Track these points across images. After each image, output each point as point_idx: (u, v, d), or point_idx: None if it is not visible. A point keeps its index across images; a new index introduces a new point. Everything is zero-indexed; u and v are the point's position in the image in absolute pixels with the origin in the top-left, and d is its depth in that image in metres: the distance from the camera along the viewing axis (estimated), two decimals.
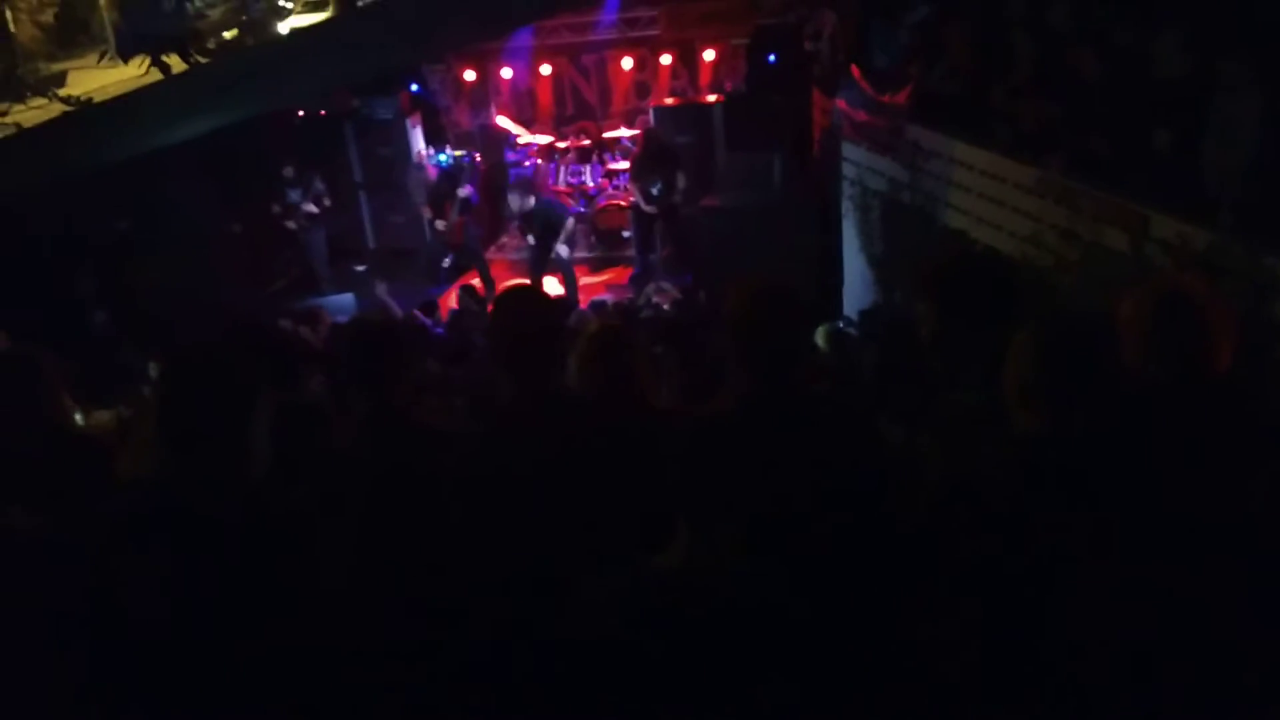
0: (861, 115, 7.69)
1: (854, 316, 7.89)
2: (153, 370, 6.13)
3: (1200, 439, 2.26)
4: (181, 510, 2.17)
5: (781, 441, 2.35)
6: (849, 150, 8.16)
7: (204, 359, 2.30)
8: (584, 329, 3.18)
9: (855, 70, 7.50)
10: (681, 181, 10.42)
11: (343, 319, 8.66)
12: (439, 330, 8.93)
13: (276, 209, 10.92)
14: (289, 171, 10.86)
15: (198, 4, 6.73)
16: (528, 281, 10.40)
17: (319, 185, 11.10)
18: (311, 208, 11.00)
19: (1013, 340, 2.27)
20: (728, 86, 11.36)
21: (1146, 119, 5.05)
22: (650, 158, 10.58)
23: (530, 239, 10.66)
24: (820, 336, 6.81)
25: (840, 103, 7.99)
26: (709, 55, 11.72)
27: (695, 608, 2.14)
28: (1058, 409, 2.18)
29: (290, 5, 7.06)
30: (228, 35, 6.95)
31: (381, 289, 9.84)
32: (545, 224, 10.41)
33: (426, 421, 3.06)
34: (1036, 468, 2.18)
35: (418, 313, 9.05)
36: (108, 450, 3.06)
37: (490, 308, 3.21)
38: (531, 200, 10.37)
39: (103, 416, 4.23)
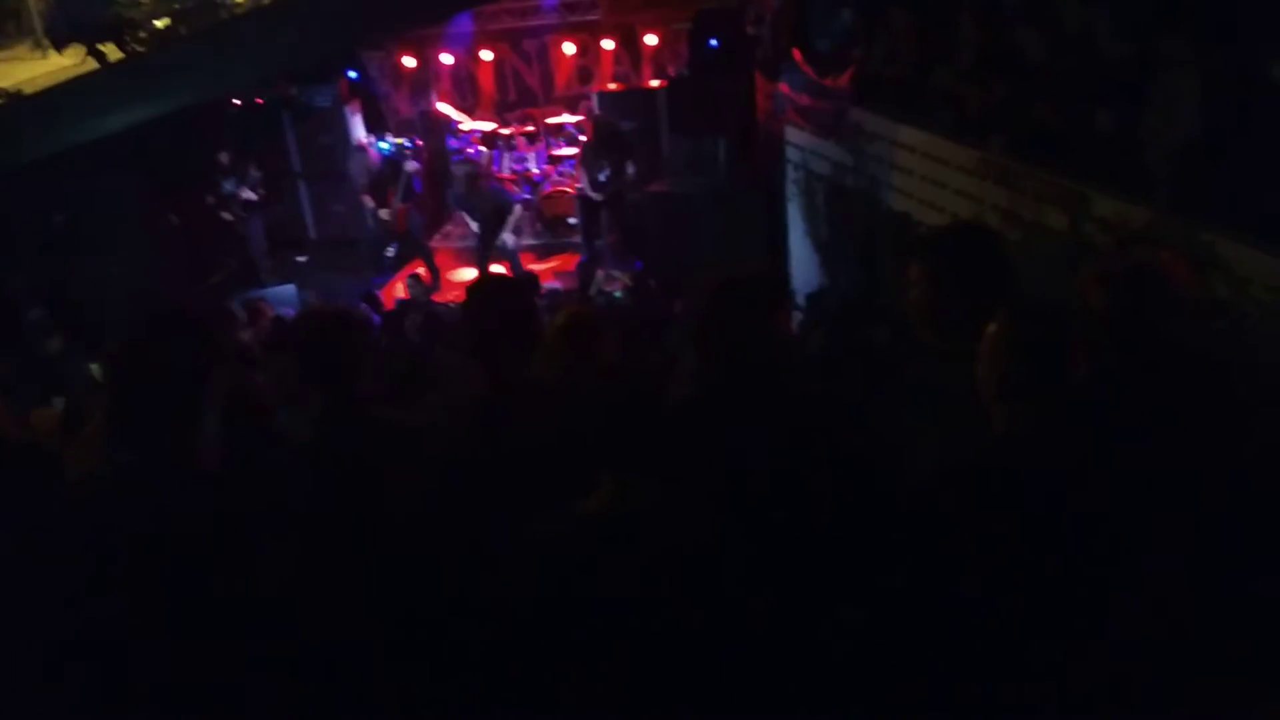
0: (804, 99, 7.73)
1: (800, 300, 7.95)
2: (92, 369, 6.00)
3: (1174, 414, 2.28)
4: (131, 509, 2.14)
5: (744, 423, 2.37)
6: (792, 134, 8.20)
7: (153, 350, 2.26)
8: (551, 320, 3.16)
9: (797, 54, 7.53)
10: (631, 168, 10.40)
11: (285, 310, 8.53)
12: (377, 320, 8.83)
13: (211, 199, 10.71)
14: (224, 158, 10.64)
15: None
16: (474, 276, 10.35)
17: (254, 173, 10.89)
18: (249, 194, 10.80)
19: (985, 333, 2.26)
20: (670, 71, 11.35)
21: (1089, 98, 5.13)
22: (600, 143, 10.55)
23: (475, 226, 10.58)
24: None
25: (783, 87, 8.02)
26: (651, 40, 11.70)
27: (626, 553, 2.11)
28: (1032, 405, 2.18)
29: None
30: (159, 24, 6.80)
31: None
32: (493, 208, 10.36)
33: (390, 414, 3.02)
34: (1015, 467, 2.17)
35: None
36: (51, 452, 2.99)
37: (437, 296, 3.18)
38: (477, 182, 10.35)
39: (47, 415, 4.12)
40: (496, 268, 10.58)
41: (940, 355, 2.65)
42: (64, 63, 5.76)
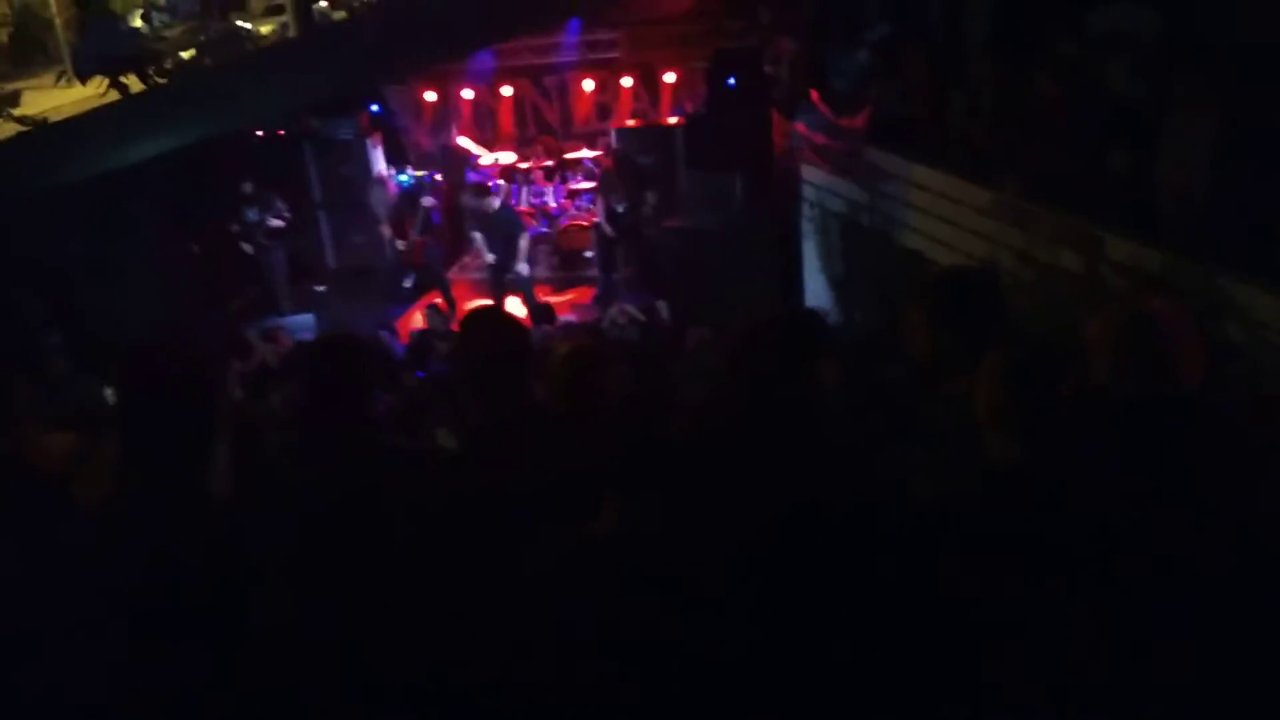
0: (820, 138, 7.77)
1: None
2: (108, 394, 6.04)
3: (1171, 457, 2.29)
4: (142, 537, 2.15)
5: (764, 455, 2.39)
6: (808, 172, 8.24)
7: (165, 376, 2.27)
8: (555, 349, 3.18)
9: (814, 94, 7.59)
10: (650, 199, 10.47)
11: (304, 339, 8.59)
12: (399, 349, 8.89)
13: (235, 228, 10.82)
14: (248, 188, 10.77)
15: (156, 24, 6.68)
16: (491, 303, 10.40)
17: (277, 203, 11.01)
18: (275, 222, 10.90)
19: (982, 363, 2.29)
20: (688, 108, 11.43)
21: (1102, 139, 5.15)
22: (617, 177, 10.64)
23: (490, 257, 10.66)
24: None
25: (799, 126, 8.07)
26: (669, 78, 11.79)
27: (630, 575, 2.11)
28: (1028, 433, 2.20)
29: (249, 28, 7.04)
30: (185, 55, 6.91)
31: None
32: (505, 232, 10.44)
33: (398, 442, 3.03)
34: (1009, 495, 2.19)
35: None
36: (66, 477, 3.01)
37: (454, 328, 3.21)
38: (496, 204, 10.43)
39: (62, 440, 4.14)
40: (513, 299, 10.66)
41: (946, 396, 2.68)
42: (88, 93, 5.86)
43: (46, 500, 2.76)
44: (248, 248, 10.89)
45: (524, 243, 10.61)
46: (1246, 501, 2.31)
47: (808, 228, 8.50)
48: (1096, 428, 2.36)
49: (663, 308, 9.75)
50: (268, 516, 2.57)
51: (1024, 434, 2.22)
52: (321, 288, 11.94)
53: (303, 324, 9.86)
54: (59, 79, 6.06)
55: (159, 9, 6.52)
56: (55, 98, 6.27)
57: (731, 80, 9.81)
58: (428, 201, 10.90)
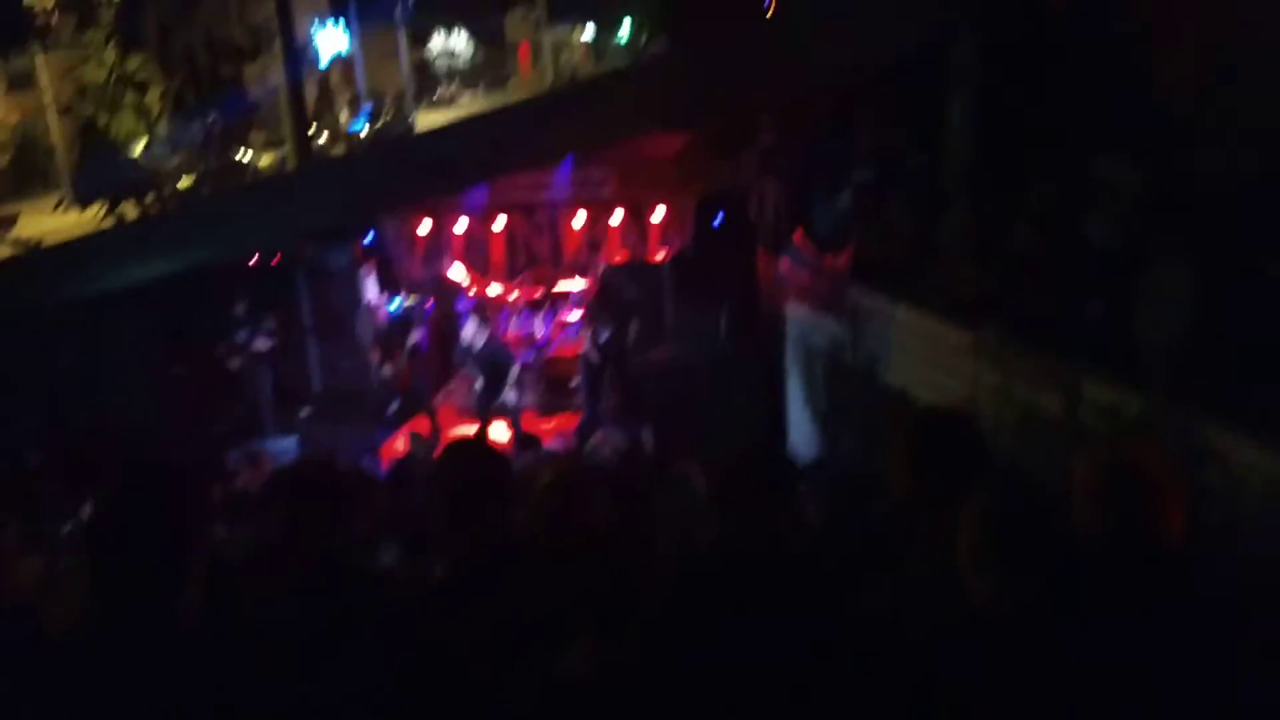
0: (804, 276, 7.94)
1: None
2: (85, 514, 5.96)
3: (1154, 607, 2.29)
4: (109, 667, 2.10)
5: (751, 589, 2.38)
6: (793, 309, 8.38)
7: (138, 503, 2.26)
8: (537, 477, 3.17)
9: (797, 234, 7.78)
10: (633, 334, 10.61)
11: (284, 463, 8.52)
12: (384, 474, 8.81)
13: (222, 349, 10.86)
14: (240, 309, 10.86)
15: (156, 154, 6.86)
16: (471, 433, 10.38)
17: (269, 322, 11.09)
18: (263, 343, 10.95)
19: (963, 507, 2.31)
20: (676, 245, 11.68)
21: (1080, 287, 5.27)
22: (603, 308, 10.80)
23: (478, 385, 10.70)
24: None
25: (784, 263, 8.25)
26: (658, 215, 12.08)
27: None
28: (1008, 578, 2.20)
29: (249, 158, 7.23)
30: (183, 184, 7.07)
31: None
32: (493, 365, 10.50)
33: (373, 569, 2.99)
34: (989, 638, 2.19)
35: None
36: (32, 604, 2.95)
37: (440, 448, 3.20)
38: (484, 336, 10.51)
39: (32, 564, 4.08)
40: (498, 425, 10.66)
41: (927, 536, 2.68)
42: (85, 218, 5.97)
43: (13, 626, 2.70)
44: (235, 364, 10.91)
45: (514, 372, 10.68)
46: (1226, 649, 2.29)
47: (792, 363, 8.59)
48: (1077, 575, 2.36)
49: (647, 439, 9.75)
50: (238, 649, 2.52)
51: (1004, 579, 2.21)
52: (306, 411, 11.92)
53: (285, 447, 9.80)
54: (58, 205, 6.18)
55: (159, 140, 6.70)
56: (53, 221, 6.39)
57: (718, 219, 10.08)
58: (415, 336, 11.03)
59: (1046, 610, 2.19)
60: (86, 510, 6.10)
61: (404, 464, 9.07)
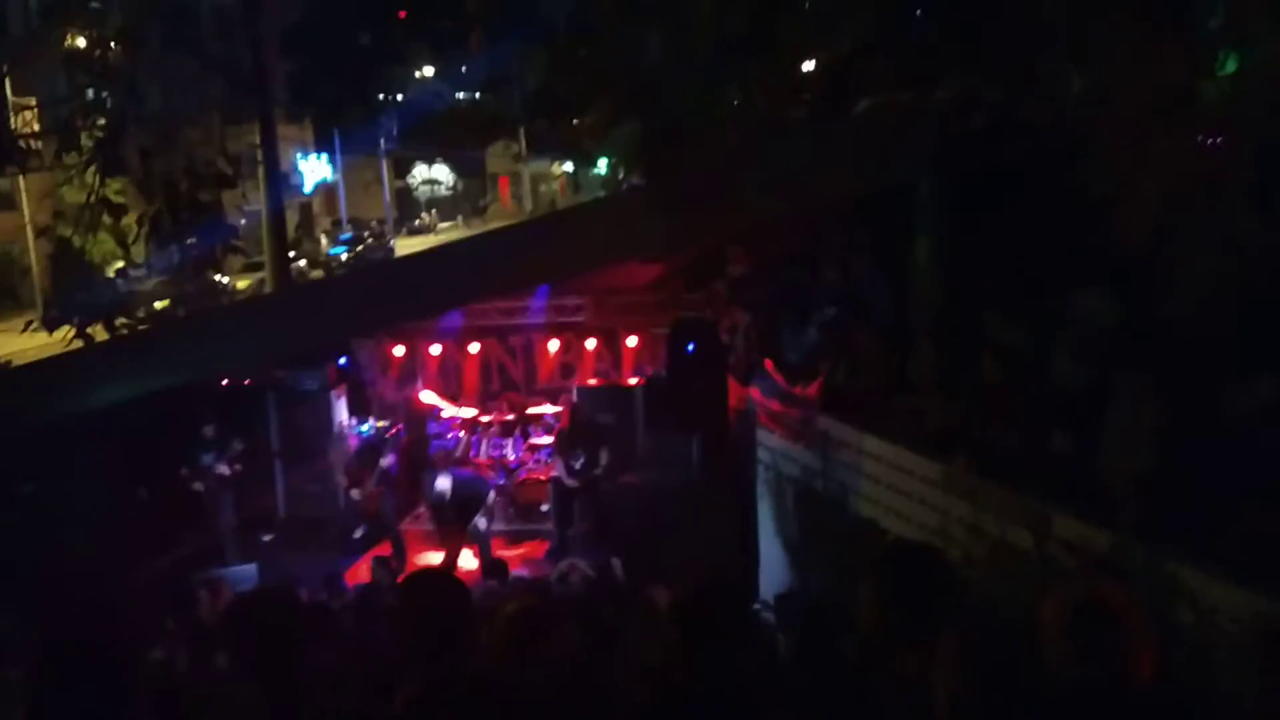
0: (775, 404, 7.98)
1: (769, 600, 7.84)
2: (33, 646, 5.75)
3: None
4: None
5: None
6: (763, 436, 8.40)
7: (79, 649, 2.19)
8: (501, 609, 3.10)
9: (768, 363, 7.86)
10: (604, 457, 10.59)
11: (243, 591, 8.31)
12: (345, 602, 8.60)
13: (185, 471, 10.72)
14: (209, 431, 10.76)
15: (131, 277, 6.89)
16: (439, 561, 10.22)
17: (236, 446, 10.98)
18: (224, 469, 10.83)
19: (938, 646, 2.30)
20: (649, 371, 11.77)
21: (1045, 421, 5.33)
22: (575, 433, 10.81)
23: (447, 510, 10.57)
24: None
25: (754, 391, 8.30)
26: (632, 341, 12.21)
27: None
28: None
29: (226, 281, 7.26)
30: (159, 306, 7.09)
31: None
32: (462, 504, 10.39)
33: (325, 707, 2.89)
34: None
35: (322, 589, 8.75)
36: None
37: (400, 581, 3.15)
38: (449, 483, 10.39)
39: None
40: (467, 551, 10.49)
41: (897, 673, 2.65)
42: (55, 339, 5.96)
43: None
44: (199, 487, 10.76)
45: (490, 498, 10.60)
46: None
47: (763, 490, 8.56)
48: (1046, 714, 2.34)
49: (617, 565, 9.62)
50: None
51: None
52: (269, 537, 11.70)
53: (245, 575, 9.58)
54: (26, 327, 6.18)
55: (135, 264, 6.74)
56: (21, 341, 6.36)
57: (690, 346, 10.17)
58: (385, 462, 10.97)
59: None
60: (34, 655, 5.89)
61: (367, 592, 8.88)
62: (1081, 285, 5.47)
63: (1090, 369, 5.20)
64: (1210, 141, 6.32)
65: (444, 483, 10.33)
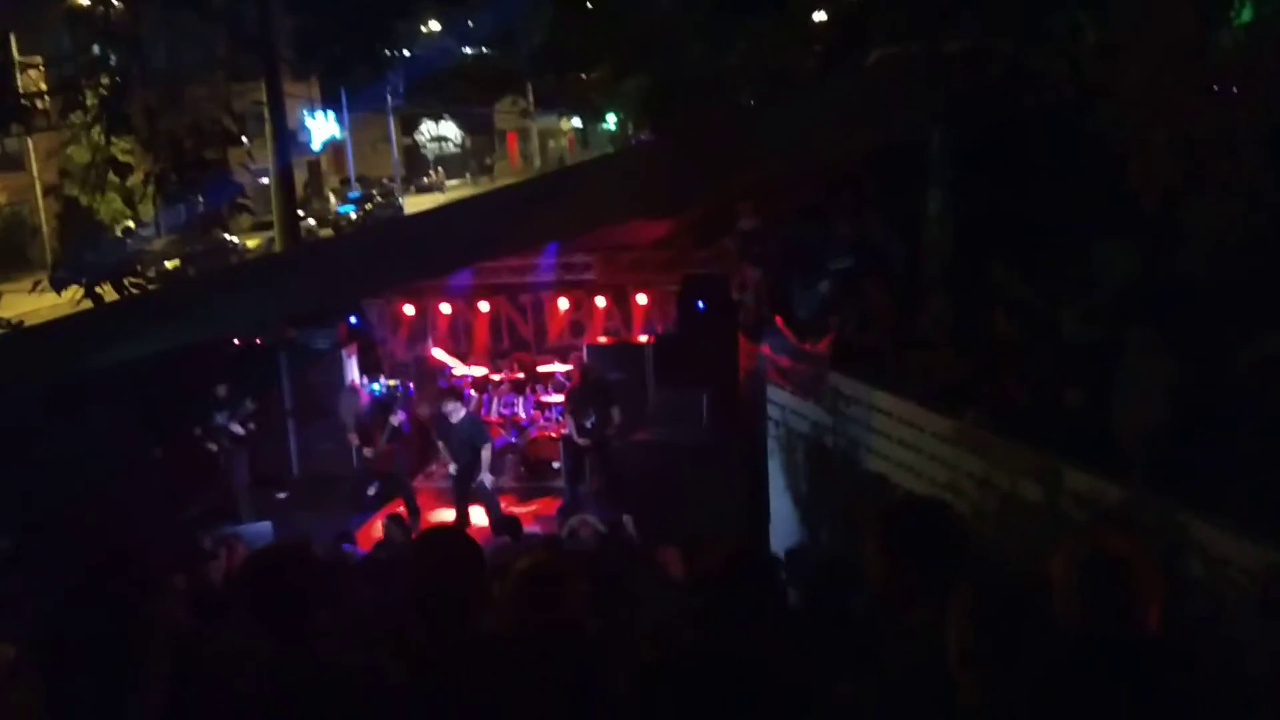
0: (785, 360, 7.97)
1: (780, 555, 7.88)
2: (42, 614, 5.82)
3: (1135, 701, 2.27)
4: None
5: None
6: (773, 393, 8.39)
7: (90, 598, 2.22)
8: (513, 565, 3.12)
9: (778, 319, 7.84)
10: (616, 416, 10.63)
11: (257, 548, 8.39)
12: (359, 560, 8.69)
13: (199, 431, 10.79)
14: (222, 391, 10.82)
15: (141, 236, 6.89)
16: (451, 519, 10.30)
17: (248, 406, 11.04)
18: (237, 428, 10.90)
19: (950, 601, 2.31)
20: (659, 328, 11.76)
21: (1057, 376, 5.31)
22: (586, 391, 10.83)
23: (452, 468, 10.65)
24: None
25: (764, 348, 8.28)
26: (641, 299, 12.19)
27: None
28: (998, 675, 2.19)
29: (235, 240, 7.26)
30: (169, 265, 7.09)
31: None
32: (470, 442, 10.47)
33: (340, 662, 2.90)
34: None
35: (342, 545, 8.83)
36: None
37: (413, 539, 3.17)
38: (462, 412, 10.49)
39: (2, 652, 3.97)
40: (477, 509, 10.57)
41: (907, 628, 2.67)
42: (66, 298, 5.98)
43: None
44: (213, 447, 10.83)
45: (487, 454, 10.64)
46: None
47: (773, 446, 8.57)
48: (1059, 668, 2.35)
49: (628, 522, 9.68)
50: None
51: (993, 675, 2.21)
52: (283, 495, 11.79)
53: (259, 532, 9.66)
54: (34, 287, 6.19)
55: (143, 222, 6.73)
56: (33, 302, 6.38)
57: (700, 303, 10.16)
58: (396, 419, 11.01)
59: (1034, 704, 2.18)
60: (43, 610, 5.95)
61: (381, 550, 8.96)
62: (1094, 239, 5.44)
63: (1101, 323, 5.18)
64: (1225, 92, 6.23)
65: (457, 411, 10.45)
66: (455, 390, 11.22)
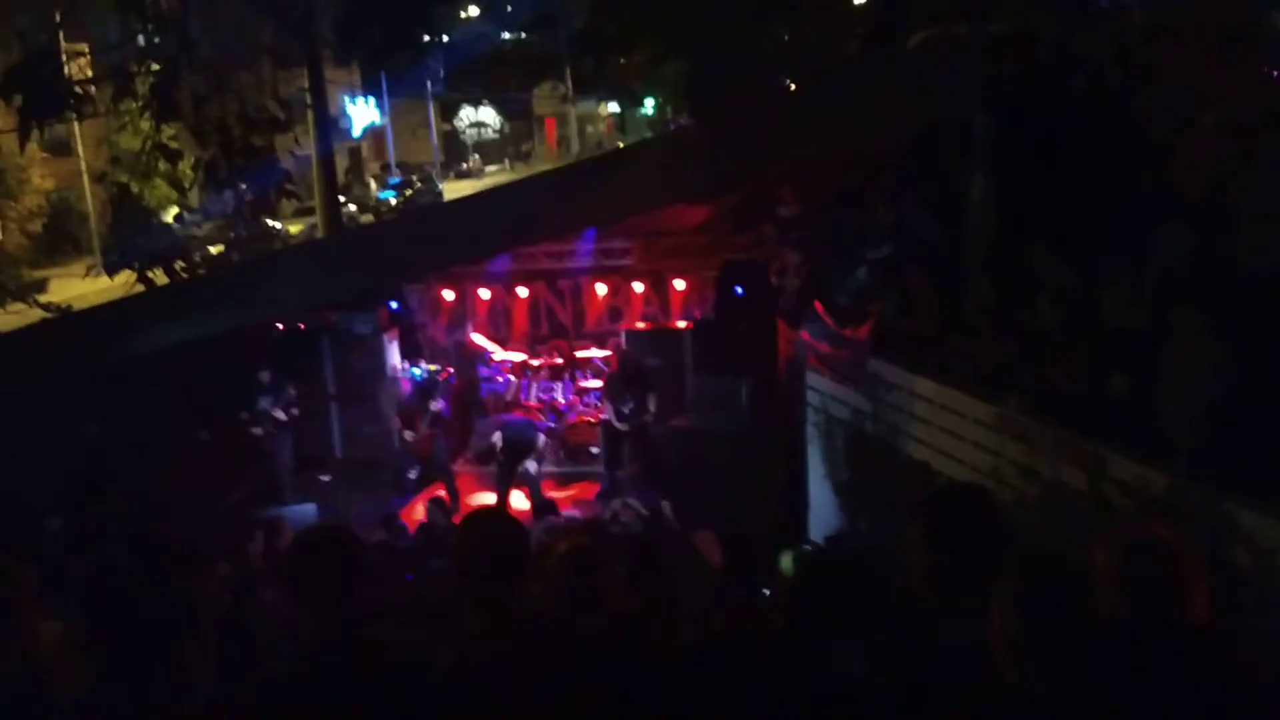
0: (824, 347, 7.95)
1: (819, 541, 7.88)
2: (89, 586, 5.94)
3: (1182, 689, 2.26)
4: None
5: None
6: (813, 379, 8.38)
7: (138, 577, 2.26)
8: (553, 547, 3.15)
9: (818, 305, 7.81)
10: (653, 402, 10.64)
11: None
12: (403, 543, 8.79)
13: (245, 415, 10.94)
14: (265, 376, 10.97)
15: (187, 221, 6.99)
16: (492, 502, 10.37)
17: (291, 392, 11.18)
18: (281, 414, 11.05)
19: (995, 589, 2.30)
20: (697, 314, 11.75)
21: (1102, 363, 5.25)
22: (624, 377, 10.85)
23: (499, 452, 10.72)
24: (786, 561, 6.75)
25: (804, 334, 8.26)
26: (680, 285, 12.17)
27: None
28: (1044, 663, 2.19)
29: (279, 226, 7.35)
30: (214, 251, 7.20)
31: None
32: (514, 449, 10.54)
33: (385, 642, 2.94)
34: None
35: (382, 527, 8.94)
36: (51, 666, 2.94)
37: (456, 521, 3.20)
38: (498, 436, 10.57)
39: (52, 627, 4.07)
40: (518, 493, 10.64)
41: (950, 615, 2.66)
42: (115, 283, 6.08)
43: (27, 689, 2.70)
44: (258, 431, 10.99)
45: (540, 442, 10.73)
46: None
47: (812, 433, 8.56)
48: (1105, 656, 2.34)
49: (667, 507, 9.71)
50: (250, 716, 2.50)
51: (1039, 664, 2.20)
52: (326, 478, 11.94)
53: (304, 514, 9.80)
54: (88, 271, 6.30)
55: (191, 209, 6.83)
56: (81, 286, 6.50)
57: (739, 289, 10.13)
58: (436, 405, 11.10)
59: (1082, 692, 2.18)
60: (89, 586, 6.09)
61: (425, 532, 9.06)
62: (1139, 223, 5.35)
63: (1147, 308, 5.11)
64: (1276, 74, 6.11)
65: (495, 436, 10.53)
66: (495, 401, 11.33)
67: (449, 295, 12.96)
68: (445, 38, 33.85)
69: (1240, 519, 4.14)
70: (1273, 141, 5.19)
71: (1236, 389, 4.54)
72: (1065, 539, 4.69)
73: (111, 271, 6.01)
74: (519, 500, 10.67)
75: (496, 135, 52.59)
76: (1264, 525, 4.06)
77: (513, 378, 12.48)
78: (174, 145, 6.45)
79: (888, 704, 2.59)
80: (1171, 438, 4.76)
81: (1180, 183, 5.34)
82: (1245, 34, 5.72)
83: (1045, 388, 5.55)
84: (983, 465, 5.87)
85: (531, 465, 10.59)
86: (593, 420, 11.84)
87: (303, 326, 12.07)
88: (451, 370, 12.54)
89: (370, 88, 40.54)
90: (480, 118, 51.68)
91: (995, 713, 2.26)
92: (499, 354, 12.84)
